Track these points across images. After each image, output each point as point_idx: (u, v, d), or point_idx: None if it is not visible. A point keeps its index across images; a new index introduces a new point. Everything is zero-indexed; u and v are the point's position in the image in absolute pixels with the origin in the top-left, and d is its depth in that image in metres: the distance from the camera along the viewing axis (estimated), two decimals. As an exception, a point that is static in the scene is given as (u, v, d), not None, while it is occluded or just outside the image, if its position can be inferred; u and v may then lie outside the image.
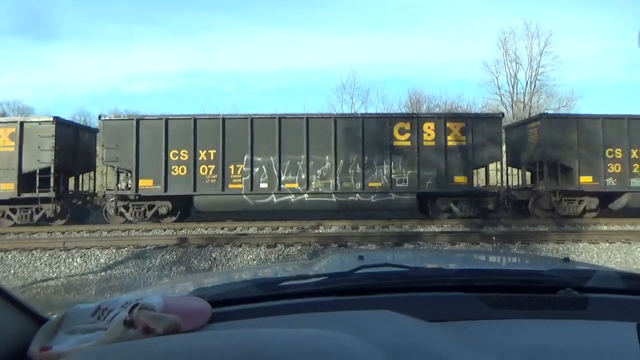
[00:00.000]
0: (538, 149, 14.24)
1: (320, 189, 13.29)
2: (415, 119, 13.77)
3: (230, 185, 13.19)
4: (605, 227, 12.83)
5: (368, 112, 29.70)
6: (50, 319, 1.05)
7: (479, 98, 46.90)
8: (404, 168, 13.40)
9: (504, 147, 15.01)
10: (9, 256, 9.75)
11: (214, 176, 13.15)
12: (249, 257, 9.78)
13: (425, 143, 13.49)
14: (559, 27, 55.87)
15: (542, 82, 35.83)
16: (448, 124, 13.63)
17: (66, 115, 14.66)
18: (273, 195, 13.23)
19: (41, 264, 9.51)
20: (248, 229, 12.53)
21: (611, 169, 13.77)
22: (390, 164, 13.37)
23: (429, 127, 13.56)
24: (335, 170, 13.29)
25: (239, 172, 13.20)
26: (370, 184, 13.39)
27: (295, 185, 13.26)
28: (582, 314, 1.07)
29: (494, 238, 10.54)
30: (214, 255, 9.81)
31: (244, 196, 13.18)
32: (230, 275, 2.14)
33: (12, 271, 9.24)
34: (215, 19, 61.36)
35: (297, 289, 1.19)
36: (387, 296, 1.14)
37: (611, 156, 13.79)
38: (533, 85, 36.18)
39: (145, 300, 0.96)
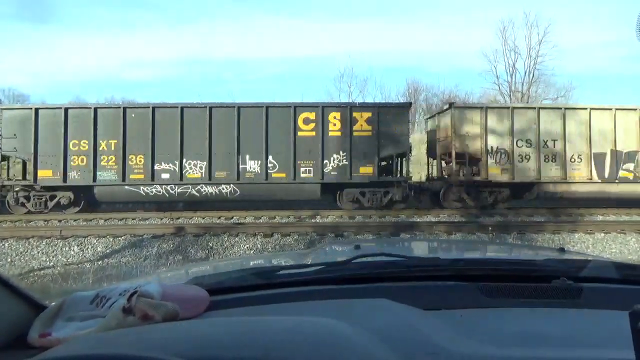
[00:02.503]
0: None
1: None
2: None
3: None
4: (600, 218, 12.89)
5: (365, 101, 29.57)
6: (48, 306, 1.05)
7: (477, 87, 46.90)
8: None
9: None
10: (6, 244, 9.74)
11: None
12: (245, 247, 9.80)
13: None
14: (559, 16, 55.79)
15: (541, 71, 35.83)
16: None
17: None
18: None
19: (38, 252, 9.51)
20: (245, 218, 12.54)
21: (75, 162, 12.92)
22: None
23: None
24: None
25: None
26: None
27: None
28: (576, 303, 1.08)
29: (489, 228, 10.58)
30: (210, 245, 9.82)
31: None
32: (228, 264, 2.15)
33: (9, 259, 9.24)
34: (214, 5, 60.94)
35: (294, 278, 1.20)
36: (384, 285, 1.15)
37: (76, 148, 12.92)
38: (531, 75, 36.19)
39: (144, 288, 0.96)
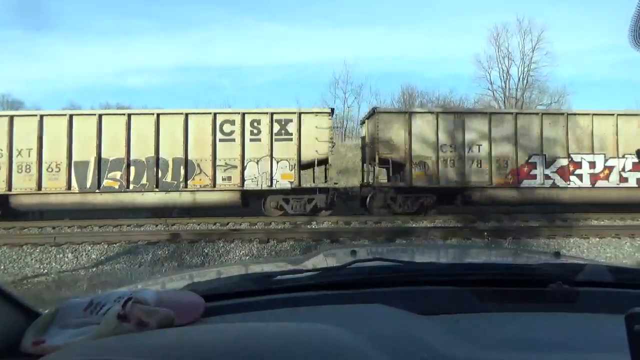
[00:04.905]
0: None
1: None
2: None
3: None
4: (595, 222, 12.95)
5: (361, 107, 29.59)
6: (42, 313, 1.04)
7: (472, 93, 47.16)
8: None
9: None
10: (-1, 252, 9.67)
11: None
12: (241, 253, 9.76)
13: None
14: (552, 22, 56.24)
15: (535, 77, 36.11)
16: None
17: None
18: None
19: (32, 259, 9.44)
20: (240, 224, 12.51)
21: None
22: None
23: None
24: None
25: None
26: None
27: None
28: (572, 307, 1.08)
29: (485, 233, 10.61)
30: (206, 251, 9.79)
31: None
32: (224, 270, 2.14)
33: (2, 267, 9.16)
34: (209, 12, 61.04)
35: (290, 283, 1.20)
36: (380, 290, 1.14)
37: None
38: (525, 81, 36.46)
39: (139, 294, 0.96)
